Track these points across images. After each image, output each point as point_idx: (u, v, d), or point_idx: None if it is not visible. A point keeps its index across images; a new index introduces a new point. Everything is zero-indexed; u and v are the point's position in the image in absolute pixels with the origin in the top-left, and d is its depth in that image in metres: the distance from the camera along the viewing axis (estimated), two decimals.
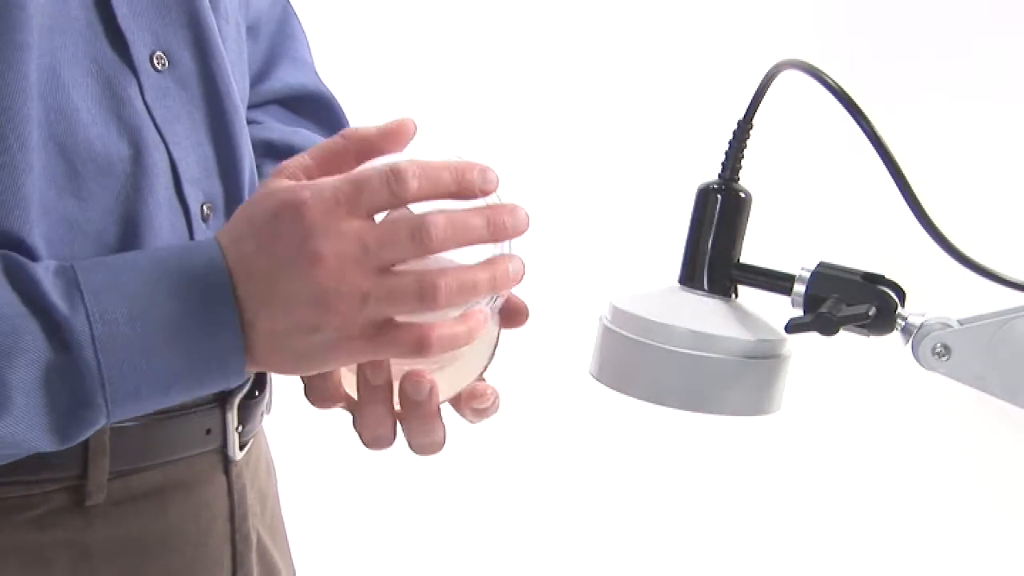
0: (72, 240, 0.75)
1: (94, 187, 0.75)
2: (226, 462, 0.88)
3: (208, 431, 0.85)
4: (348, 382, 0.75)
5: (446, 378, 0.74)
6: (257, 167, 0.95)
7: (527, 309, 0.79)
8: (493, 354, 0.76)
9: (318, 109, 1.03)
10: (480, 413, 0.77)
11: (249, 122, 0.98)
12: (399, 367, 0.72)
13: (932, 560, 2.63)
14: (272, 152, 0.97)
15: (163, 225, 0.79)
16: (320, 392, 0.76)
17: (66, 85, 0.74)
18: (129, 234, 0.77)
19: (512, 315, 0.78)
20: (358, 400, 0.75)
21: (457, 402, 0.77)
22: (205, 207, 0.81)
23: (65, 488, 0.78)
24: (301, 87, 1.02)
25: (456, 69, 2.77)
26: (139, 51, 0.78)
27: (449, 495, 2.55)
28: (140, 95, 0.78)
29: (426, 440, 0.75)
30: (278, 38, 1.01)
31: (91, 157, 0.75)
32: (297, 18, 1.03)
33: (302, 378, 0.77)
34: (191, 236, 0.81)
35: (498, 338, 0.76)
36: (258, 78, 1.00)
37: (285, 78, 1.01)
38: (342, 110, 1.04)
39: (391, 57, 2.64)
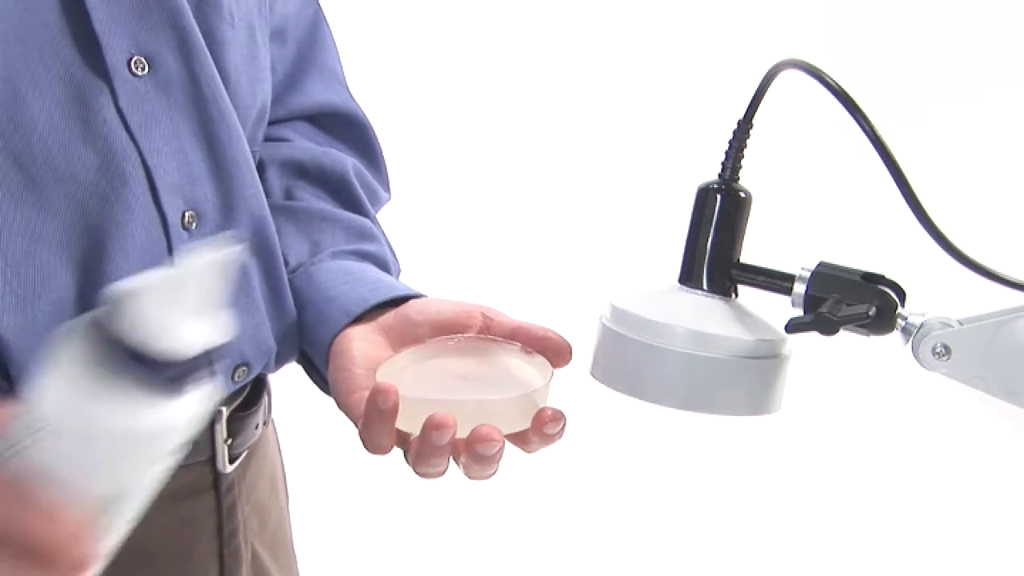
0: (34, 252, 0.73)
1: (55, 197, 0.73)
2: (216, 475, 0.86)
3: (195, 443, 0.83)
4: (402, 422, 0.74)
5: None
6: (287, 189, 0.93)
7: (570, 348, 0.78)
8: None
9: (349, 129, 0.99)
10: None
11: (276, 139, 0.96)
12: (465, 420, 0.72)
13: (932, 560, 2.62)
14: (302, 173, 0.94)
15: (135, 233, 0.76)
16: (376, 441, 0.74)
17: (23, 95, 0.72)
18: (96, 244, 0.75)
19: (555, 355, 0.78)
20: (419, 452, 0.73)
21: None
22: (187, 215, 0.79)
23: None
24: (331, 105, 0.98)
25: (457, 69, 2.77)
26: (115, 55, 0.76)
27: (452, 495, 2.55)
28: (113, 101, 0.76)
29: (483, 474, 0.74)
30: (307, 43, 0.98)
31: (50, 167, 0.73)
32: (328, 26, 1.00)
33: (357, 428, 0.76)
34: (169, 245, 0.78)
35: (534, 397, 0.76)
36: (286, 87, 0.97)
37: (314, 95, 0.98)
38: (373, 131, 1.01)
39: (391, 57, 2.64)
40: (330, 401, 0.85)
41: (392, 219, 1.03)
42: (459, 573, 2.49)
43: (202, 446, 0.85)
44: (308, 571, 1.02)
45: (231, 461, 0.87)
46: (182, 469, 0.83)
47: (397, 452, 0.76)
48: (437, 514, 2.53)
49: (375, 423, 0.73)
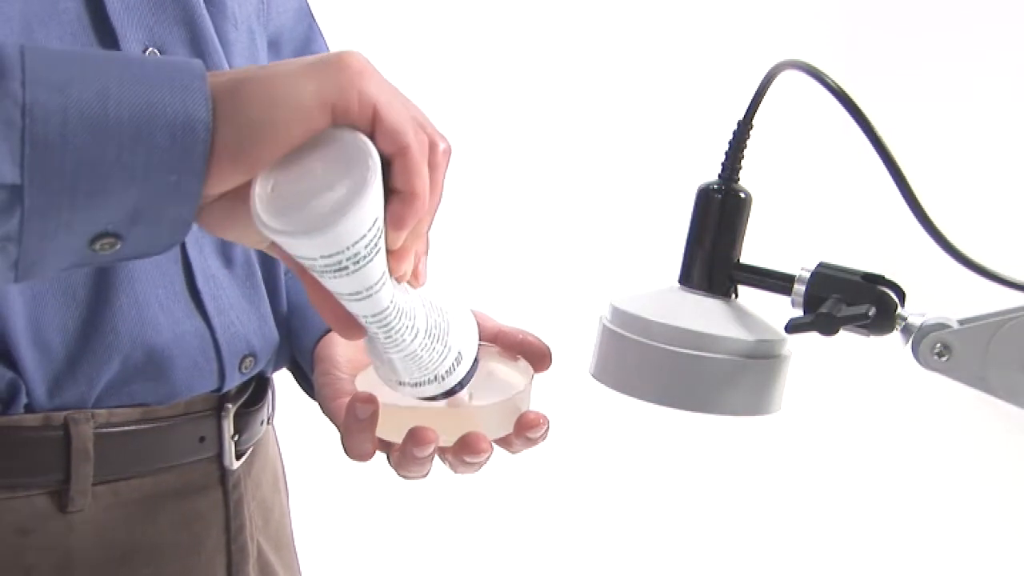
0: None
1: None
2: (222, 471, 0.87)
3: (202, 439, 0.85)
4: (383, 431, 0.75)
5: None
6: None
7: (550, 353, 0.79)
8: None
9: None
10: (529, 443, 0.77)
11: None
12: (441, 426, 0.73)
13: (932, 560, 2.63)
14: None
15: None
16: (357, 449, 0.75)
17: None
18: None
19: (536, 360, 0.78)
20: (400, 461, 0.75)
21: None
22: None
23: (47, 493, 0.77)
24: None
25: (457, 69, 2.77)
26: (130, 46, 0.77)
27: (452, 495, 2.56)
28: None
29: (468, 472, 0.76)
30: (302, 55, 0.99)
31: None
32: (323, 38, 1.02)
33: (341, 436, 0.77)
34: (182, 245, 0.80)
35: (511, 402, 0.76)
36: None
37: None
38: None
39: (391, 57, 2.64)
40: None
41: None
42: (456, 571, 2.49)
43: (209, 442, 0.85)
44: (307, 567, 1.02)
45: (237, 457, 0.87)
46: (188, 465, 0.84)
47: None
48: (435, 514, 2.53)
49: (355, 432, 0.74)
